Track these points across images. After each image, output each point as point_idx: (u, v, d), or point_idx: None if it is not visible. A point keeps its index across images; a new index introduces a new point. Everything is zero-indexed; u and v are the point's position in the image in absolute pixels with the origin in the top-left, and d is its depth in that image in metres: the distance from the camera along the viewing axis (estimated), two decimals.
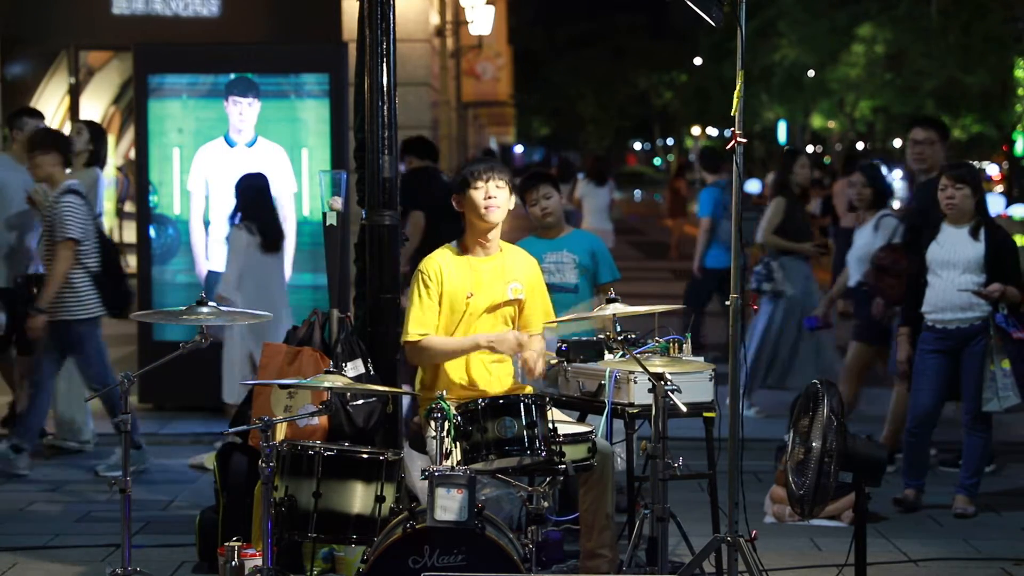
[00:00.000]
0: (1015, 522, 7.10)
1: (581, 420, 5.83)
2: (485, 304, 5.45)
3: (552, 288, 6.12)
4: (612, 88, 58.92)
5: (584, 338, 6.12)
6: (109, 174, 19.33)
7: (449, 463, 4.77)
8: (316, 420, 5.64)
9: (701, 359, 5.81)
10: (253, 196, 8.42)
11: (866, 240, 8.62)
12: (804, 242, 9.86)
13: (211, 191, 9.64)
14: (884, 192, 8.97)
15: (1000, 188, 36.97)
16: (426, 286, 5.42)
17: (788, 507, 6.21)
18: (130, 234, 15.08)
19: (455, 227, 5.79)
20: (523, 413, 4.88)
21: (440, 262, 5.47)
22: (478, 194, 5.39)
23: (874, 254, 8.25)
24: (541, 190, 6.97)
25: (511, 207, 5.51)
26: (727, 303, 5.08)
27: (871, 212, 8.74)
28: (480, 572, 4.56)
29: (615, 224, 17.32)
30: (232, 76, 9.62)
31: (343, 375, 5.47)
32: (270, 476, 4.76)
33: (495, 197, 5.38)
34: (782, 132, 43.50)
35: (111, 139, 19.83)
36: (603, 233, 17.00)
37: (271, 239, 8.40)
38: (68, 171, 8.16)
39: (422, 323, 5.41)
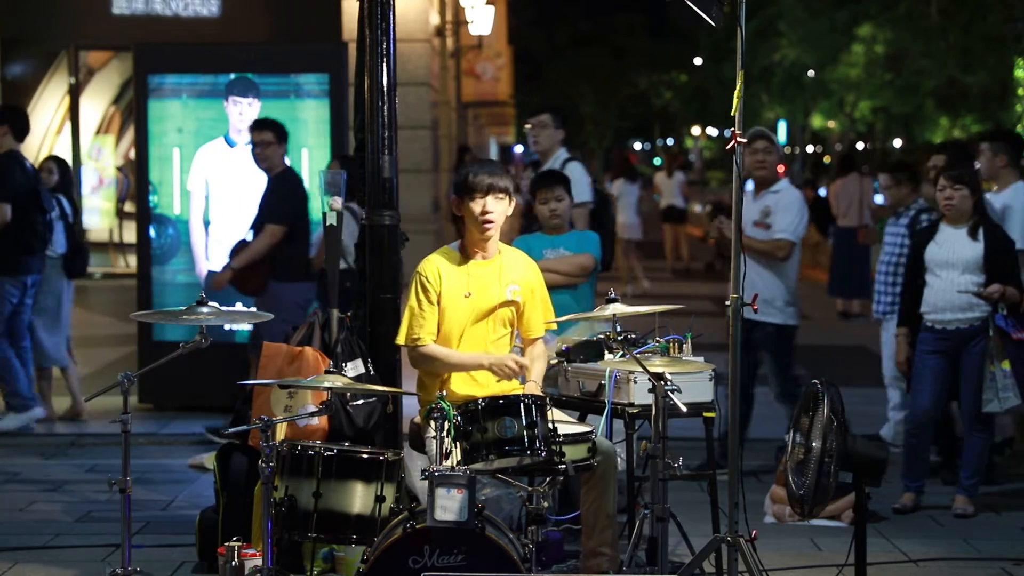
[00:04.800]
0: (1015, 522, 7.09)
1: (581, 420, 5.83)
2: (483, 306, 5.41)
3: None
4: (612, 88, 58.81)
5: (584, 338, 6.13)
6: (109, 174, 19.39)
7: (449, 463, 4.76)
8: (316, 420, 5.64)
9: (701, 359, 5.79)
10: None
11: None
12: None
13: (211, 191, 9.64)
14: None
15: None
16: (424, 289, 5.35)
17: (788, 507, 6.21)
18: (130, 234, 15.11)
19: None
20: (523, 413, 4.87)
21: (439, 264, 5.43)
22: (476, 206, 5.32)
23: None
24: (554, 191, 6.96)
25: (510, 212, 5.44)
26: (727, 303, 5.07)
27: None
28: (480, 572, 4.56)
29: (642, 217, 19.55)
30: (232, 76, 9.62)
31: (343, 375, 5.47)
32: (270, 476, 4.76)
33: (492, 212, 5.31)
34: (782, 132, 43.44)
35: (111, 139, 19.85)
36: (632, 226, 18.41)
37: None
38: None
39: (420, 328, 5.35)
